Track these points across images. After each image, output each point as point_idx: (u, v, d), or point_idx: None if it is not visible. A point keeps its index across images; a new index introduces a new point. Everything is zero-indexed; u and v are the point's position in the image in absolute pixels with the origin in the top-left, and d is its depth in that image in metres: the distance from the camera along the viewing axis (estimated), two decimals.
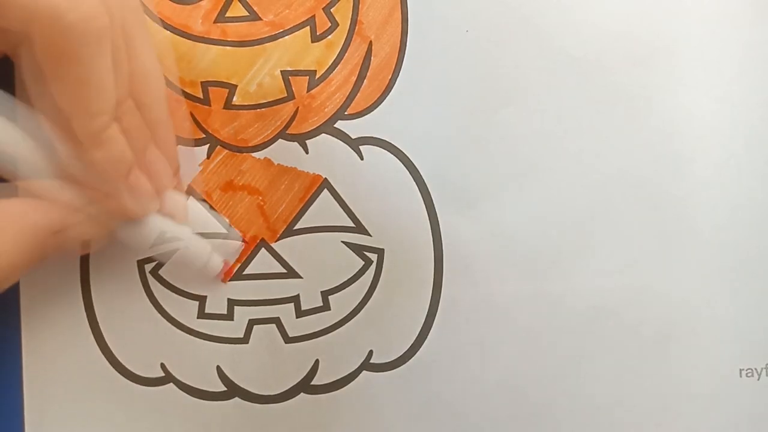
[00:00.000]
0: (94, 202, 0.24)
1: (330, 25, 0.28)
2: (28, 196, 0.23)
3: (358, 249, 0.27)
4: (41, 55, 0.21)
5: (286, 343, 0.27)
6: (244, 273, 0.27)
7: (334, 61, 0.28)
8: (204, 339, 0.27)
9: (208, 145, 0.27)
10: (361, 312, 0.27)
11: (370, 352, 0.27)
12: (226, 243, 0.27)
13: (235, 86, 0.27)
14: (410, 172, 0.28)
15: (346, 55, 0.28)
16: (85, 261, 0.27)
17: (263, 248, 0.27)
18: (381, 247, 0.28)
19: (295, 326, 0.27)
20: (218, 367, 0.27)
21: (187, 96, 0.27)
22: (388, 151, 0.28)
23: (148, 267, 0.27)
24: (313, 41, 0.28)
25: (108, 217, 0.24)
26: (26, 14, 0.20)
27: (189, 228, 0.26)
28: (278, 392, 0.27)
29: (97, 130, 0.22)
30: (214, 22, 0.27)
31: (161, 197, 0.25)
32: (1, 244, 0.22)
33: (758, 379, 0.28)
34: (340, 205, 0.28)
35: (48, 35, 0.21)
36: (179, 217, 0.26)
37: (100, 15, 0.21)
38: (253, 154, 0.27)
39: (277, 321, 0.27)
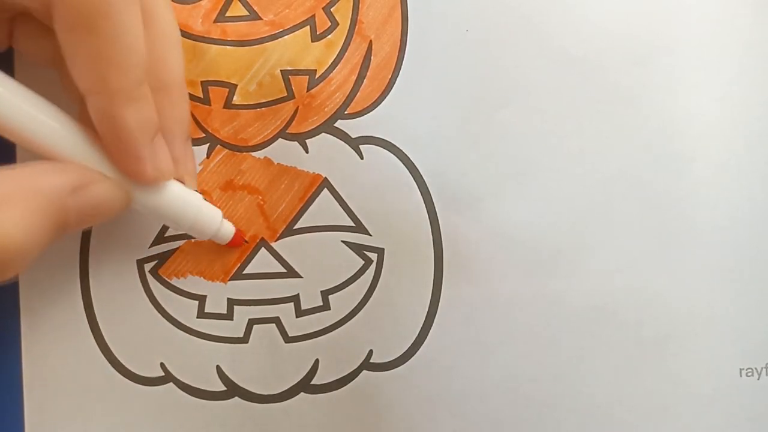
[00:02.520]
0: (114, 165, 0.23)
1: (330, 24, 0.28)
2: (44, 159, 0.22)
3: (358, 248, 0.27)
4: (71, 11, 0.21)
5: (286, 342, 0.27)
6: (244, 272, 0.27)
7: (334, 60, 0.28)
8: (204, 338, 0.27)
9: (208, 144, 0.27)
10: (361, 312, 0.27)
11: (370, 352, 0.27)
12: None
13: (235, 86, 0.27)
14: (410, 172, 0.28)
15: (346, 54, 0.28)
16: (84, 260, 0.27)
17: (263, 248, 0.27)
18: (381, 246, 0.28)
19: (294, 326, 0.27)
20: (218, 367, 0.27)
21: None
22: (388, 150, 0.28)
23: (148, 266, 0.27)
24: (313, 41, 0.28)
25: (127, 180, 0.23)
26: None
27: (199, 194, 0.26)
28: (278, 392, 0.27)
29: (131, 86, 0.22)
30: (214, 21, 0.27)
31: (175, 164, 0.25)
32: (11, 215, 0.20)
33: (758, 379, 0.28)
34: (340, 204, 0.28)
35: None
36: (191, 183, 0.26)
37: None
38: (253, 154, 0.27)
39: (277, 320, 0.27)
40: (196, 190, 0.26)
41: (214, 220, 0.26)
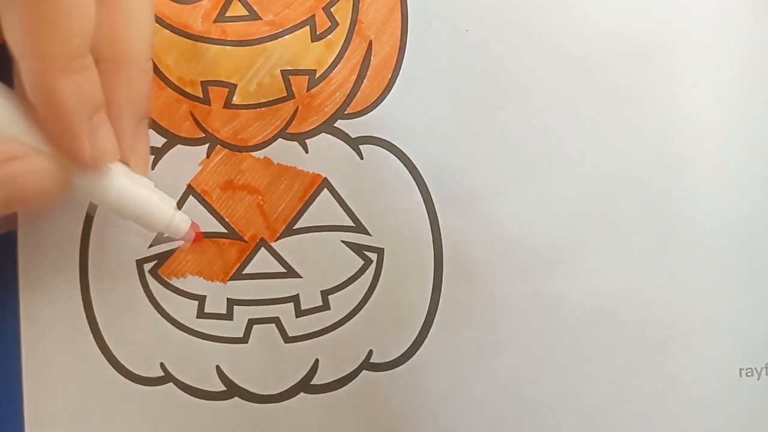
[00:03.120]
0: (50, 141, 0.21)
1: (330, 24, 0.28)
2: None
3: (357, 248, 0.27)
4: None
5: (285, 342, 0.27)
6: (244, 272, 0.27)
7: (334, 60, 0.28)
8: (203, 339, 0.27)
9: (207, 144, 0.27)
10: (360, 312, 0.27)
11: (370, 352, 0.27)
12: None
13: (235, 85, 0.27)
14: (410, 172, 0.28)
15: (346, 54, 0.28)
16: (84, 260, 0.27)
17: (263, 248, 0.27)
18: (381, 246, 0.28)
19: (294, 326, 0.27)
20: (218, 367, 0.27)
21: (187, 95, 0.27)
22: (388, 150, 0.28)
23: (148, 266, 0.27)
24: (313, 41, 0.28)
25: (65, 160, 0.21)
26: None
27: (151, 181, 0.24)
28: (278, 392, 0.27)
29: (69, 55, 0.20)
30: (214, 21, 0.27)
31: (123, 146, 0.23)
32: None
33: (758, 379, 0.28)
34: (339, 204, 0.28)
35: None
36: (139, 167, 0.24)
37: None
38: (253, 154, 0.27)
39: (276, 320, 0.27)
40: (146, 176, 0.24)
41: (164, 212, 0.23)
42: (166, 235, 0.25)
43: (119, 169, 0.23)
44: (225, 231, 0.27)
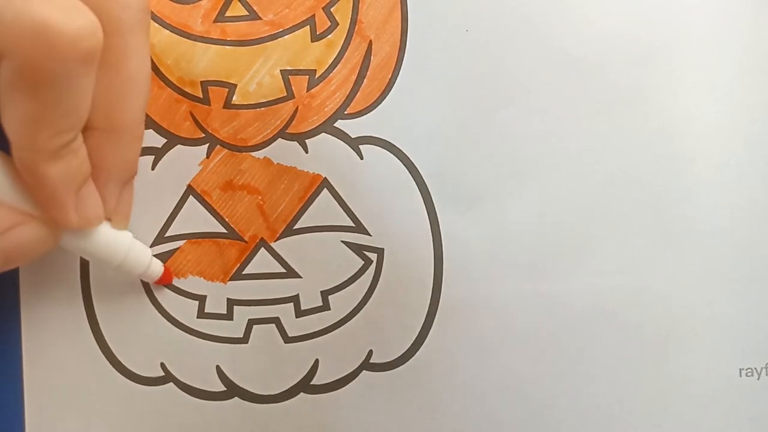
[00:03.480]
0: (40, 209, 0.22)
1: (330, 24, 0.28)
2: None
3: (357, 249, 0.27)
4: (17, 71, 0.19)
5: (285, 342, 0.27)
6: (244, 273, 0.27)
7: (334, 60, 0.28)
8: (204, 339, 0.27)
9: (207, 144, 0.27)
10: (360, 312, 0.27)
11: (370, 352, 0.27)
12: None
13: (235, 85, 0.27)
14: (410, 172, 0.28)
15: (346, 54, 0.28)
16: (85, 260, 0.27)
17: (263, 248, 0.27)
18: (381, 246, 0.28)
19: (294, 326, 0.27)
20: (218, 367, 0.27)
21: (187, 95, 0.27)
22: (388, 150, 0.28)
23: None
24: (312, 41, 0.28)
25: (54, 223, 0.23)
26: (10, 29, 0.18)
27: (129, 233, 0.25)
28: (278, 392, 0.27)
29: (60, 147, 0.21)
30: (214, 21, 0.27)
31: (107, 208, 0.24)
32: None
33: (758, 379, 0.28)
34: (339, 204, 0.28)
35: (30, 52, 0.19)
36: (120, 224, 0.25)
37: (93, 33, 0.19)
38: (253, 154, 0.27)
39: (276, 321, 0.27)
40: (127, 230, 0.25)
41: (140, 263, 0.25)
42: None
43: (101, 228, 0.24)
44: (225, 231, 0.27)
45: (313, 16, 0.28)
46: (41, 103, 0.20)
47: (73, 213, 0.22)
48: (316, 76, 0.28)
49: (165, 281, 0.27)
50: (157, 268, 0.26)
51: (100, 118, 0.22)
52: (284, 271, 0.27)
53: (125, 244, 0.25)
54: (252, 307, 0.27)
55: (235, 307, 0.27)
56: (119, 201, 0.25)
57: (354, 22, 0.28)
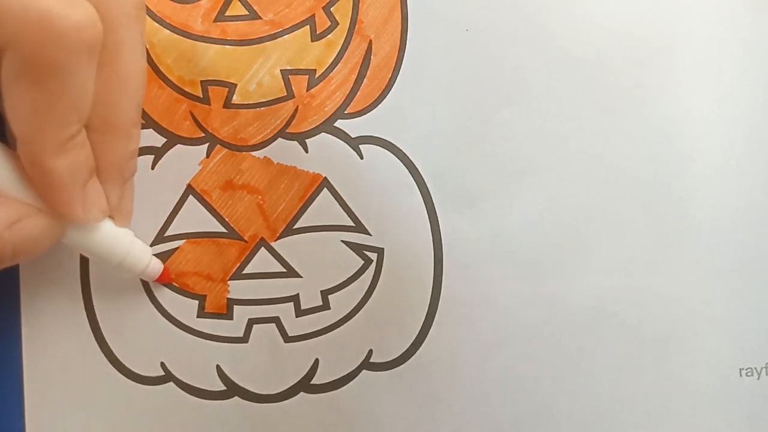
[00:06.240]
0: (45, 204, 0.23)
1: (330, 24, 0.28)
2: None
3: (357, 248, 0.27)
4: (22, 62, 0.20)
5: (285, 342, 0.27)
6: (244, 272, 0.27)
7: (334, 60, 0.28)
8: (204, 338, 0.27)
9: (207, 144, 0.27)
10: (360, 311, 0.27)
11: (370, 352, 0.27)
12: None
13: (235, 85, 0.27)
14: (410, 172, 0.28)
15: (346, 54, 0.28)
16: (84, 260, 0.27)
17: (263, 247, 0.27)
18: (381, 246, 0.28)
19: (294, 325, 0.27)
20: (218, 366, 0.27)
21: (187, 95, 0.27)
22: (388, 150, 0.28)
23: None
24: (312, 40, 0.28)
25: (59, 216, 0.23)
26: (16, 20, 0.19)
27: (131, 231, 0.26)
28: (278, 391, 0.27)
29: (66, 139, 0.21)
30: (214, 21, 0.27)
31: (109, 205, 0.24)
32: None
33: (758, 379, 0.28)
34: (339, 204, 0.28)
35: (35, 43, 0.19)
36: (122, 222, 0.25)
37: (93, 23, 0.20)
38: (253, 153, 0.27)
39: (276, 320, 0.27)
40: (129, 228, 0.26)
41: (141, 261, 0.26)
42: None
43: (105, 225, 0.24)
44: (225, 231, 0.27)
45: (313, 15, 0.28)
46: (46, 94, 0.20)
47: (79, 207, 0.23)
48: (316, 76, 0.28)
49: (164, 280, 0.27)
50: (157, 266, 0.26)
51: (95, 116, 0.22)
52: (284, 270, 0.27)
53: (126, 242, 0.25)
54: (252, 306, 0.27)
55: (235, 306, 0.27)
56: (121, 199, 0.25)
57: (354, 21, 0.28)
